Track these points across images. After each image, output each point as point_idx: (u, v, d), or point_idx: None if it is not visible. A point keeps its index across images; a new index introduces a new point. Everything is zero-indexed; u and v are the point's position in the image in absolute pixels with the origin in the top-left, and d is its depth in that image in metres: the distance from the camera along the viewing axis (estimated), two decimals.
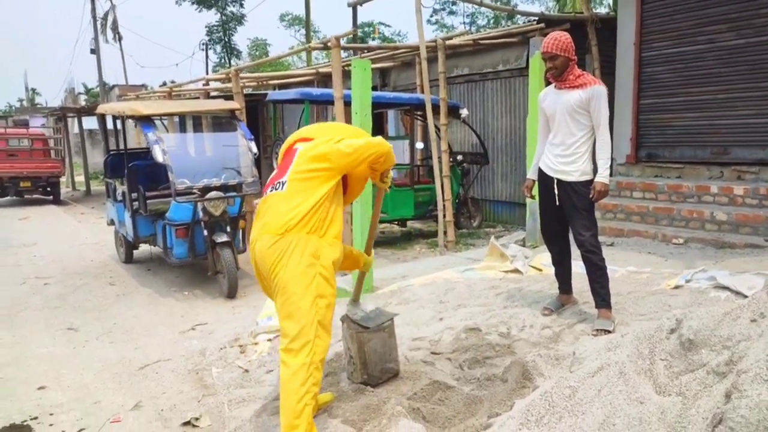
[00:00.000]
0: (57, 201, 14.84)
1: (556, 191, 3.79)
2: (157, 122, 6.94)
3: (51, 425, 3.24)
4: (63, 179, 16.13)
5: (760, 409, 1.80)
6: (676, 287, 4.23)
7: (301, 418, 2.43)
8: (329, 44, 6.14)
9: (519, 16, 10.27)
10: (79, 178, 19.30)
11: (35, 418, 3.32)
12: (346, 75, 6.64)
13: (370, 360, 3.31)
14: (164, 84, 38.69)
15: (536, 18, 7.80)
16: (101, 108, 7.11)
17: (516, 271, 5.20)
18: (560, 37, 3.65)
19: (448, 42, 7.74)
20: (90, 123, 18.25)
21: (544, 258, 5.40)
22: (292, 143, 2.99)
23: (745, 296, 3.62)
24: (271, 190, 2.79)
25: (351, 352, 3.35)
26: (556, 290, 4.41)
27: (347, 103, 6.37)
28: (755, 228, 5.56)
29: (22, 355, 4.32)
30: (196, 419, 3.22)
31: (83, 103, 33.31)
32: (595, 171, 3.74)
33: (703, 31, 6.38)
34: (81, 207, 14.04)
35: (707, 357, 2.17)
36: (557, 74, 3.68)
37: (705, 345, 2.20)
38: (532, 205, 6.44)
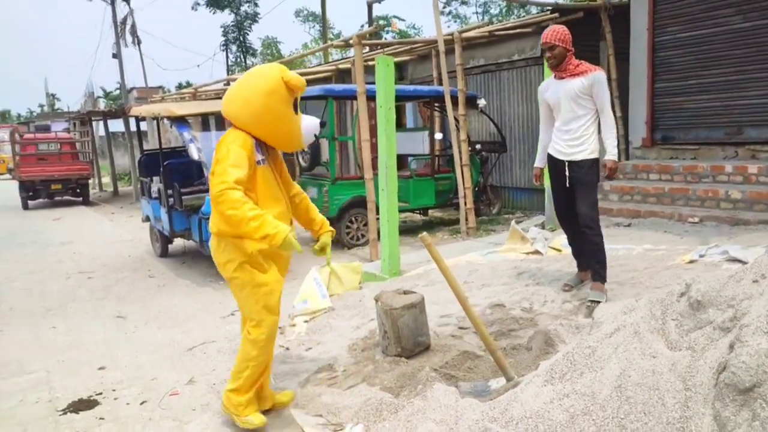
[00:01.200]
0: (86, 202, 15.35)
1: (567, 173, 4.01)
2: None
3: (115, 399, 3.57)
4: (91, 181, 16.65)
5: (759, 356, 2.03)
6: (691, 262, 4.43)
7: (242, 374, 3.01)
8: (351, 42, 6.40)
9: (531, 7, 10.40)
10: (105, 180, 19.86)
11: (100, 393, 3.66)
12: (366, 70, 6.89)
13: (403, 334, 3.58)
14: (180, 86, 39.34)
15: (550, 8, 7.96)
16: (135, 110, 7.46)
17: (536, 252, 5.43)
18: (558, 29, 3.91)
19: (464, 34, 7.94)
20: (114, 126, 18.75)
21: (562, 240, 5.63)
22: None
23: None
24: None
25: (385, 327, 3.62)
26: (575, 268, 4.64)
27: (369, 98, 6.65)
28: None
29: (79, 341, 4.67)
30: None
31: (102, 107, 34.07)
32: (602, 151, 3.97)
33: (714, 15, 6.52)
34: (110, 207, 14.52)
35: (714, 315, 2.40)
36: (556, 63, 3.91)
37: (711, 305, 2.43)
38: (549, 190, 6.65)
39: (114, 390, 3.69)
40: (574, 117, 3.93)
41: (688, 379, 2.26)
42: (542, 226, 6.69)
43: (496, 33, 8.57)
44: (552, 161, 4.14)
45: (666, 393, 2.24)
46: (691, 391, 2.22)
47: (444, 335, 3.89)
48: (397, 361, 3.57)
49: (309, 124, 3.05)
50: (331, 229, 3.44)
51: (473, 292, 4.58)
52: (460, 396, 2.98)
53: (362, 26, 32.58)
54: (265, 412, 3.14)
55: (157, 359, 4.16)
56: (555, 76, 4.00)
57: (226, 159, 2.77)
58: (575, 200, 4.02)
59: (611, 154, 3.89)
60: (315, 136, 3.19)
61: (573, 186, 4.02)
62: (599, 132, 3.96)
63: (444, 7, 43.00)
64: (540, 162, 4.32)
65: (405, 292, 3.72)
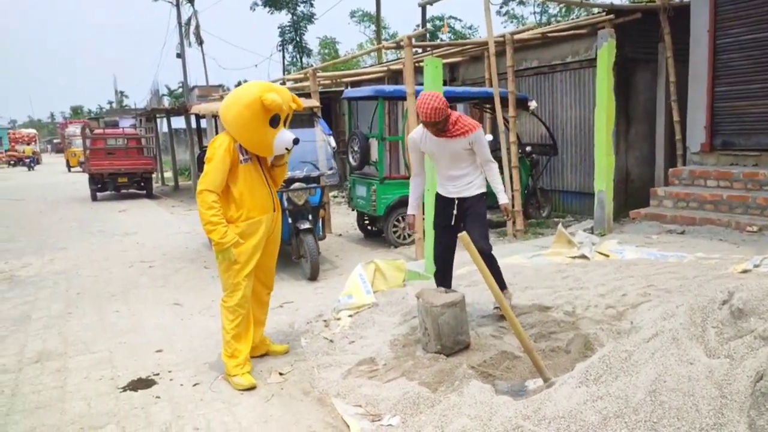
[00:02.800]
0: (150, 195, 16.12)
1: (455, 211, 4.09)
2: None
3: (171, 380, 3.81)
4: (154, 175, 17.45)
5: None
6: (744, 271, 4.30)
7: (227, 340, 3.71)
8: (402, 43, 6.51)
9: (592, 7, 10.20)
10: (167, 174, 20.77)
11: (157, 374, 3.91)
12: (417, 71, 6.98)
13: (443, 332, 3.66)
14: (239, 84, 40.47)
15: (605, 9, 7.81)
16: (195, 108, 7.82)
17: (583, 257, 5.38)
18: (434, 103, 3.70)
19: (516, 36, 7.91)
20: (176, 123, 19.57)
21: (611, 244, 5.56)
22: None
23: None
24: None
25: (426, 324, 3.71)
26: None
27: None
28: None
29: (139, 325, 4.99)
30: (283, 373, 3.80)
31: (166, 104, 35.52)
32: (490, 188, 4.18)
33: None
34: (171, 200, 15.20)
35: (755, 324, 2.37)
36: (440, 131, 3.86)
37: (753, 313, 2.40)
38: (600, 194, 6.56)
39: (170, 372, 3.94)
40: (460, 167, 4.04)
41: (724, 386, 2.25)
42: (591, 230, 6.60)
43: (550, 35, 8.48)
44: (441, 200, 4.19)
45: (701, 399, 2.24)
46: (726, 398, 2.21)
47: (484, 335, 3.94)
48: (436, 358, 3.65)
49: (282, 138, 3.65)
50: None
51: (516, 293, 4.60)
52: (496, 394, 3.04)
53: (416, 27, 32.69)
54: (261, 356, 4.01)
55: (210, 345, 4.39)
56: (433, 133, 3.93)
57: (210, 163, 3.51)
58: (470, 230, 3.75)
59: (504, 197, 4.17)
60: (287, 149, 3.72)
61: (464, 219, 4.08)
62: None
63: (501, 8, 42.50)
64: (414, 209, 4.36)
65: (446, 291, 3.80)
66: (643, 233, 6.26)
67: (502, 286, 4.11)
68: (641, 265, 4.82)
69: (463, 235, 3.06)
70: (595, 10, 8.76)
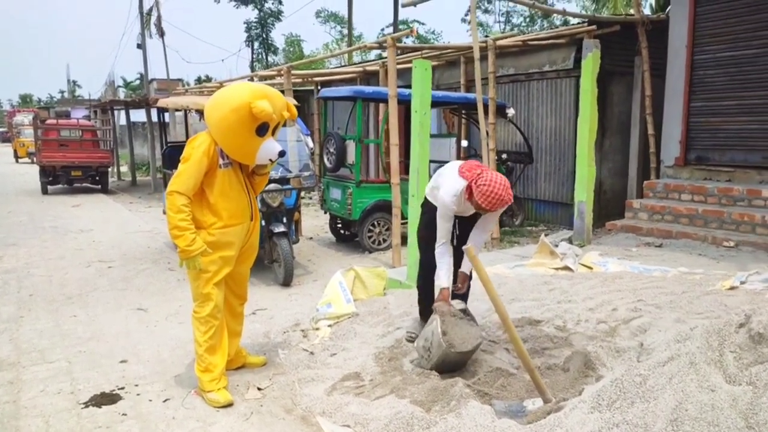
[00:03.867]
0: (105, 190, 15.39)
1: (456, 231, 3.74)
2: None
3: (138, 395, 3.50)
4: (110, 169, 16.69)
5: None
6: (731, 288, 4.29)
7: (201, 353, 3.44)
8: (385, 44, 6.32)
9: (555, 16, 10.27)
10: (123, 169, 19.94)
11: (122, 388, 3.59)
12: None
13: (444, 366, 3.47)
14: (199, 79, 39.51)
15: (586, 20, 7.83)
16: (162, 102, 7.43)
17: (566, 268, 5.31)
18: (509, 195, 3.23)
19: (498, 42, 7.84)
20: (134, 116, 18.81)
21: (593, 256, 5.51)
22: None
23: None
24: None
25: (431, 349, 3.47)
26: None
27: (398, 101, 6.56)
28: None
29: (100, 332, 4.62)
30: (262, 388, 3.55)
31: (122, 96, 34.26)
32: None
33: (758, 36, 6.37)
34: (128, 197, 14.55)
35: None
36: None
37: None
38: (580, 205, 6.54)
39: (136, 385, 3.63)
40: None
41: (750, 416, 2.14)
42: (569, 240, 6.56)
43: (530, 42, 8.45)
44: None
45: (726, 430, 2.13)
46: (753, 429, 2.11)
47: None
48: (426, 374, 3.47)
49: (268, 148, 3.36)
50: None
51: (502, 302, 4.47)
52: (496, 416, 2.88)
53: (382, 29, 32.63)
54: (237, 369, 3.77)
55: (180, 355, 4.10)
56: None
57: (185, 164, 3.26)
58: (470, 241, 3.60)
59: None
60: (270, 160, 3.44)
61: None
62: None
63: (466, 14, 42.89)
64: (447, 281, 3.58)
65: (465, 311, 3.58)
66: (621, 245, 6.26)
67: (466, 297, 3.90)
68: (626, 279, 4.78)
69: (469, 248, 2.89)
70: (575, 20, 8.80)
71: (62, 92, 62.04)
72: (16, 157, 27.94)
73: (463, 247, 3.14)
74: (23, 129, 27.59)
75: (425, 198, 3.94)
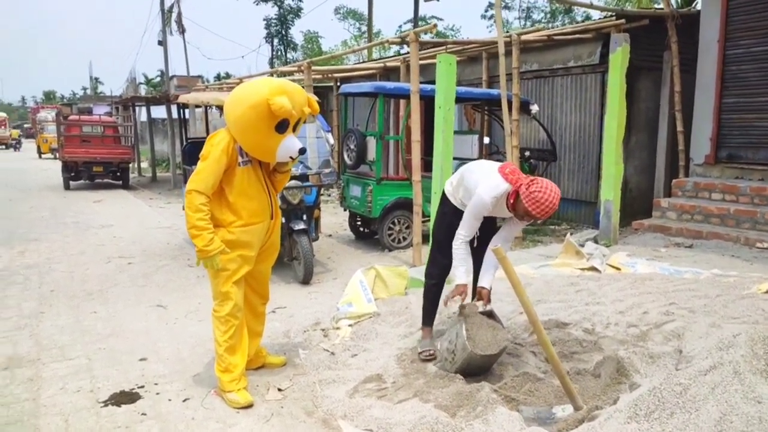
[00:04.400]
0: (126, 186, 15.52)
1: (478, 233, 3.57)
2: None
3: (157, 393, 3.45)
4: (131, 165, 16.83)
5: None
6: (767, 292, 4.12)
7: (221, 353, 3.37)
8: (407, 39, 6.21)
9: (577, 12, 10.05)
10: (144, 165, 20.11)
11: (142, 386, 3.55)
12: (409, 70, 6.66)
13: (469, 370, 3.37)
14: (218, 76, 39.73)
15: (613, 14, 7.63)
16: (183, 98, 7.40)
17: (593, 269, 5.16)
18: (557, 201, 3.07)
19: (522, 37, 7.68)
20: (155, 112, 18.95)
21: (621, 257, 5.35)
22: None
23: None
24: None
25: (455, 351, 3.37)
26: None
27: (420, 97, 6.44)
28: None
29: (120, 328, 4.59)
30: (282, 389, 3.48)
31: (143, 93, 34.60)
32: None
33: None
34: (149, 192, 14.65)
35: None
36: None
37: None
38: (607, 204, 6.37)
39: (156, 384, 3.58)
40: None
41: None
42: (595, 240, 6.40)
43: (555, 37, 8.27)
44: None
45: None
46: None
47: None
48: (451, 378, 3.37)
49: (289, 145, 3.26)
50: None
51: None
52: (525, 423, 2.77)
53: (400, 26, 32.43)
54: (257, 369, 3.71)
55: (199, 354, 4.05)
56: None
57: (204, 161, 3.19)
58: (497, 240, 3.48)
59: (487, 281, 3.61)
60: (291, 158, 3.35)
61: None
62: None
63: (486, 11, 42.51)
64: (465, 278, 3.48)
65: (491, 315, 3.46)
66: (650, 245, 6.08)
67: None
68: (657, 281, 4.62)
69: (498, 249, 2.78)
70: (599, 15, 8.59)
71: (85, 89, 62.82)
72: (40, 152, 28.35)
73: (491, 248, 3.02)
74: (46, 125, 27.99)
75: (444, 196, 3.80)
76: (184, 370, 3.79)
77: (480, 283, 3.53)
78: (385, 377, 3.55)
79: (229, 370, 3.36)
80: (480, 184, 3.32)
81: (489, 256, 3.45)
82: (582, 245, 5.62)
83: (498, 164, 3.41)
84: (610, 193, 6.19)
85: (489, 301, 3.51)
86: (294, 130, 3.35)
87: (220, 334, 3.38)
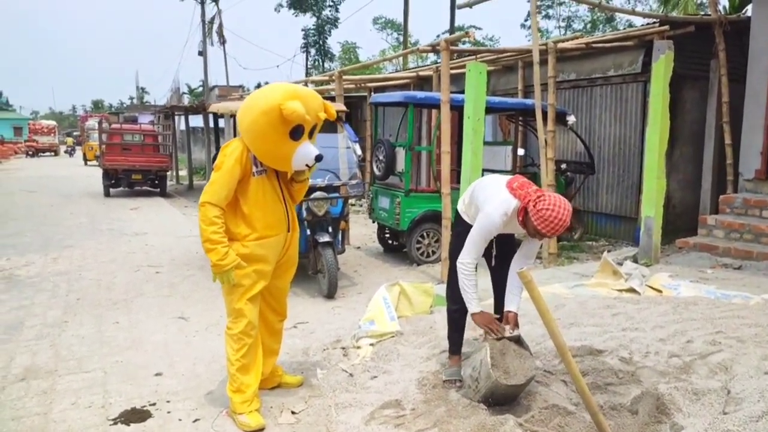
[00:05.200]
0: (164, 193, 15.78)
1: (494, 251, 3.40)
2: None
3: (168, 412, 3.35)
4: (169, 173, 17.13)
5: None
6: None
7: (233, 372, 3.24)
8: (438, 47, 6.05)
9: (619, 21, 9.69)
10: (182, 173, 20.47)
11: (153, 404, 3.45)
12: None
13: (494, 399, 3.15)
14: (259, 85, 40.35)
15: (657, 21, 7.29)
16: (213, 107, 7.42)
17: (632, 290, 4.85)
18: (568, 219, 2.85)
19: (559, 45, 7.42)
20: (194, 121, 19.29)
21: (663, 278, 5.03)
22: None
23: None
24: None
25: (479, 379, 3.15)
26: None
27: (452, 107, 6.26)
28: None
29: (140, 340, 4.54)
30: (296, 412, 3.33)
31: (186, 102, 35.41)
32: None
33: None
34: (184, 200, 14.85)
35: None
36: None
37: None
38: (648, 221, 6.03)
39: (168, 401, 3.49)
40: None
41: None
42: (634, 259, 6.06)
43: (594, 45, 7.97)
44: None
45: None
46: None
47: None
48: (474, 407, 3.15)
49: (304, 152, 3.13)
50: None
51: (561, 330, 4.08)
52: None
53: (437, 36, 32.33)
54: (272, 389, 3.57)
55: (215, 370, 3.94)
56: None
57: (217, 172, 3.08)
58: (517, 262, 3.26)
59: (513, 305, 3.37)
60: (307, 165, 3.21)
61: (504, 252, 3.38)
62: None
63: (525, 20, 42.00)
64: (478, 306, 3.24)
65: (518, 340, 3.23)
66: (694, 266, 5.71)
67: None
68: (702, 305, 4.29)
69: (524, 272, 2.56)
70: (643, 21, 8.24)
71: (132, 98, 64.87)
72: (85, 159, 29.29)
73: (517, 271, 2.79)
74: (92, 133, 28.86)
75: (458, 215, 3.56)
76: (198, 387, 3.69)
77: (507, 307, 3.30)
78: (404, 403, 3.35)
79: (242, 390, 3.23)
80: (488, 201, 3.10)
81: (514, 278, 3.21)
82: (620, 264, 5.30)
83: (507, 178, 3.19)
84: (651, 209, 5.85)
85: (517, 325, 3.28)
86: (310, 136, 3.21)
87: (233, 352, 3.24)
